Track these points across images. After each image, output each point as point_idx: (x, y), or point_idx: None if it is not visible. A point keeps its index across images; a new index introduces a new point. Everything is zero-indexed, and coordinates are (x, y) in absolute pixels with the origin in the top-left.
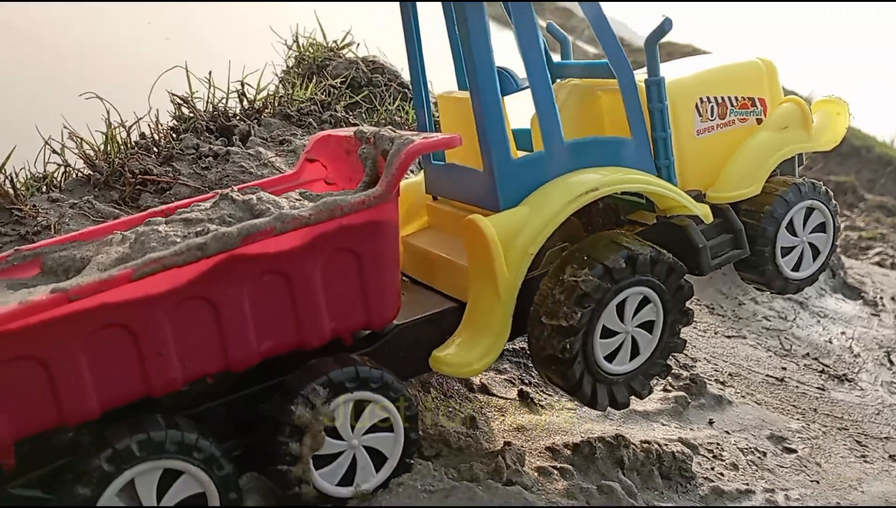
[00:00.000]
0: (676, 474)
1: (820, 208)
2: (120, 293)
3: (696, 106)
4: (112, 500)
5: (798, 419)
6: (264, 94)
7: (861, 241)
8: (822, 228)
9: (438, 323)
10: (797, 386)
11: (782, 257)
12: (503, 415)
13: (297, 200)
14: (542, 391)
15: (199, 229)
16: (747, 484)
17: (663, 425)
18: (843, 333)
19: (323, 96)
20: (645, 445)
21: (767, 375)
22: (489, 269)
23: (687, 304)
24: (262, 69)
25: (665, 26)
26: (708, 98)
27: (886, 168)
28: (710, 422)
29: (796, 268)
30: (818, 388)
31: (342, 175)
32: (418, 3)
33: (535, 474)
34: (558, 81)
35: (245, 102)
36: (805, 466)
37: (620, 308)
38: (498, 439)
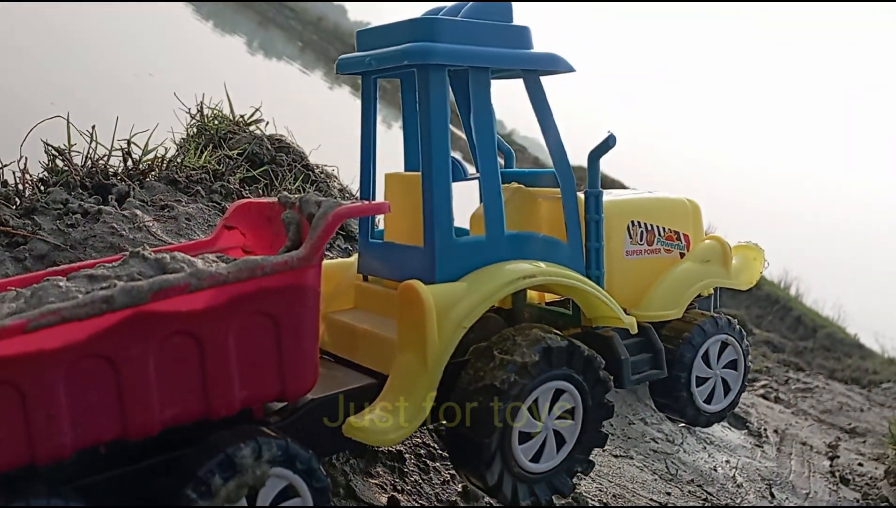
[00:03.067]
0: None
1: (734, 345)
2: (10, 346)
3: (628, 228)
4: None
5: None
6: (151, 155)
7: (748, 373)
8: (733, 365)
9: (356, 399)
10: None
11: (696, 386)
12: None
13: (213, 261)
14: (415, 499)
15: (104, 285)
16: None
17: None
18: (727, 461)
19: (217, 166)
20: None
21: (651, 499)
22: (420, 336)
23: (607, 397)
24: (151, 130)
25: (609, 142)
26: (639, 222)
27: (774, 306)
28: None
29: (708, 401)
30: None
31: (262, 243)
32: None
33: None
34: (505, 184)
35: (129, 162)
36: None
37: (535, 403)
38: None
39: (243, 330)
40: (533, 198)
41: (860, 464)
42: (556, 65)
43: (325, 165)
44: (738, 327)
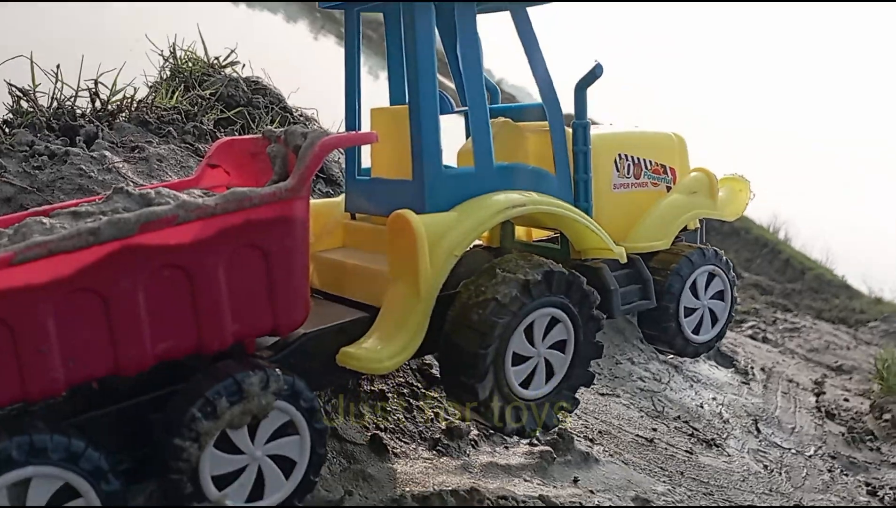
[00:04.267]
0: None
1: (721, 276)
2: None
3: (615, 161)
4: None
5: (664, 482)
6: (120, 96)
7: (737, 314)
8: (720, 296)
9: (349, 332)
10: (666, 448)
11: (684, 317)
12: (350, 462)
13: (200, 196)
14: (398, 437)
15: (89, 220)
16: None
17: (525, 480)
18: (713, 398)
19: (189, 107)
20: (501, 501)
21: (637, 435)
22: (412, 266)
23: (598, 336)
24: (119, 68)
25: (596, 71)
26: (626, 156)
27: (762, 249)
28: (575, 480)
29: (696, 331)
30: (686, 451)
31: (248, 180)
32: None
33: None
34: (494, 119)
35: (97, 103)
36: None
37: (529, 332)
38: (338, 488)
39: (233, 263)
40: (520, 132)
41: (846, 399)
42: None
43: (305, 108)
44: (724, 258)
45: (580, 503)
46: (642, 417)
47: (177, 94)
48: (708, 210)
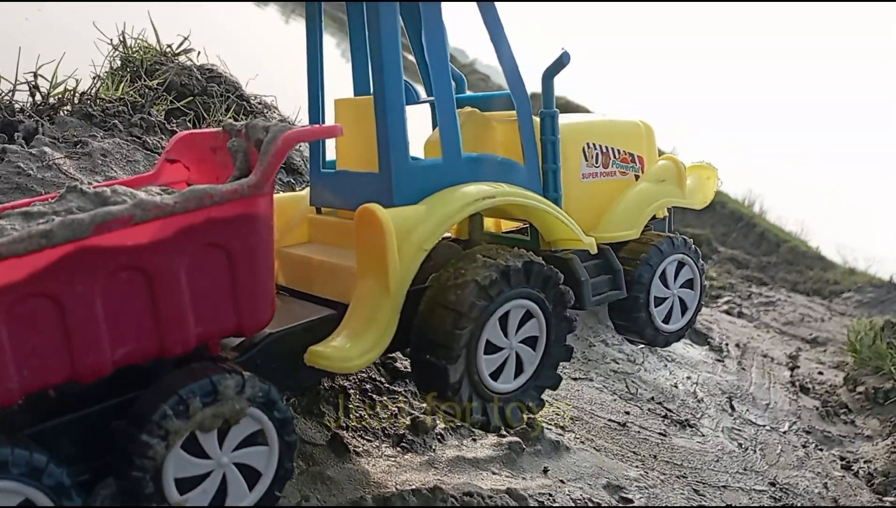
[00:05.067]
0: None
1: (690, 265)
2: None
3: (584, 150)
4: None
5: (637, 467)
6: (61, 89)
7: (712, 290)
8: (690, 284)
9: (317, 331)
10: (639, 431)
11: (655, 306)
12: (308, 464)
13: (158, 193)
14: (360, 435)
15: (41, 221)
16: None
17: (493, 473)
18: (688, 377)
19: (137, 98)
20: (466, 498)
21: (610, 419)
22: (380, 261)
23: (568, 313)
24: (58, 60)
25: (563, 59)
26: (594, 144)
27: (738, 223)
28: (545, 470)
29: (666, 320)
30: (660, 433)
31: (208, 175)
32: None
33: None
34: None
35: (38, 97)
36: None
37: (503, 322)
38: (294, 493)
39: (195, 263)
40: (487, 122)
41: (820, 373)
42: None
43: (264, 96)
44: (693, 246)
45: (549, 493)
46: (615, 400)
47: (123, 84)
48: (677, 199)
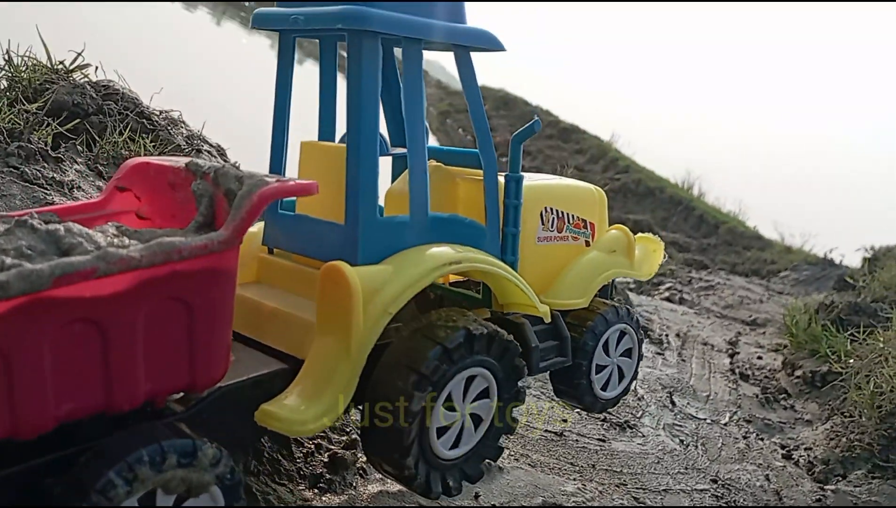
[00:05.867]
0: None
1: (630, 334)
2: None
3: (541, 214)
4: None
5: (574, 480)
6: None
7: (654, 277)
8: (629, 353)
9: (267, 386)
10: (577, 440)
11: (595, 373)
12: None
13: (114, 235)
14: (272, 478)
15: None
16: None
17: (421, 505)
18: None
19: (16, 123)
20: None
21: (546, 430)
22: (344, 321)
23: (520, 383)
24: None
25: (535, 127)
26: (551, 209)
27: (678, 207)
28: (476, 496)
29: (604, 388)
30: (599, 440)
31: (161, 210)
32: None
33: None
34: None
35: None
36: None
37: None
38: None
39: (152, 317)
40: (452, 177)
41: (759, 357)
42: (488, 42)
43: (169, 111)
44: (635, 316)
45: None
46: (553, 408)
47: None
48: (626, 270)
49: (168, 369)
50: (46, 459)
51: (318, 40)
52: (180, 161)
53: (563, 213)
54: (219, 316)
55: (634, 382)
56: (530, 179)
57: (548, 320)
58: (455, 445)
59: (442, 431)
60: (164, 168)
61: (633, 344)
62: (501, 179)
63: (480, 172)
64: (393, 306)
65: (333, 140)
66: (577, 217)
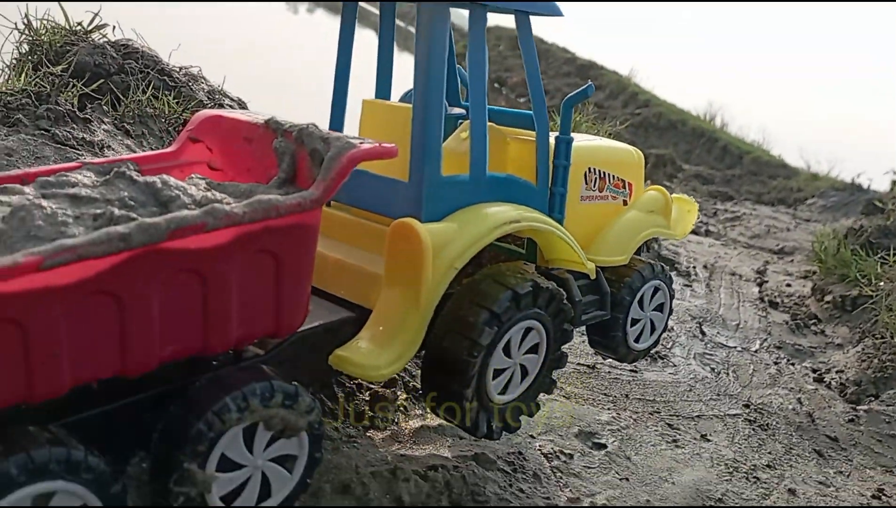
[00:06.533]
0: (469, 500)
1: (663, 290)
2: (18, 283)
3: (585, 174)
4: None
5: (609, 409)
6: None
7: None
8: (660, 308)
9: (336, 333)
10: (609, 372)
11: (630, 327)
12: None
13: (206, 189)
14: None
15: (96, 210)
16: (548, 498)
17: (460, 439)
18: None
19: (42, 86)
20: (430, 473)
21: (579, 364)
22: (414, 274)
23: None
24: None
25: (588, 91)
26: (594, 169)
27: (700, 140)
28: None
29: (637, 340)
30: (631, 371)
31: (235, 163)
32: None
33: None
34: (468, 120)
35: None
36: (614, 462)
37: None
38: None
39: (246, 268)
40: (503, 137)
41: (788, 285)
42: (548, 9)
43: (188, 67)
44: (668, 273)
45: (519, 451)
46: (584, 342)
47: (25, 74)
48: (663, 229)
49: (257, 315)
50: (149, 394)
51: (378, 5)
52: (257, 117)
53: (604, 173)
54: (303, 268)
55: (665, 334)
56: (577, 141)
57: (593, 276)
58: (503, 391)
59: (495, 375)
60: (239, 123)
61: (665, 299)
62: (552, 141)
63: (529, 132)
64: (459, 262)
65: (389, 99)
66: (617, 177)
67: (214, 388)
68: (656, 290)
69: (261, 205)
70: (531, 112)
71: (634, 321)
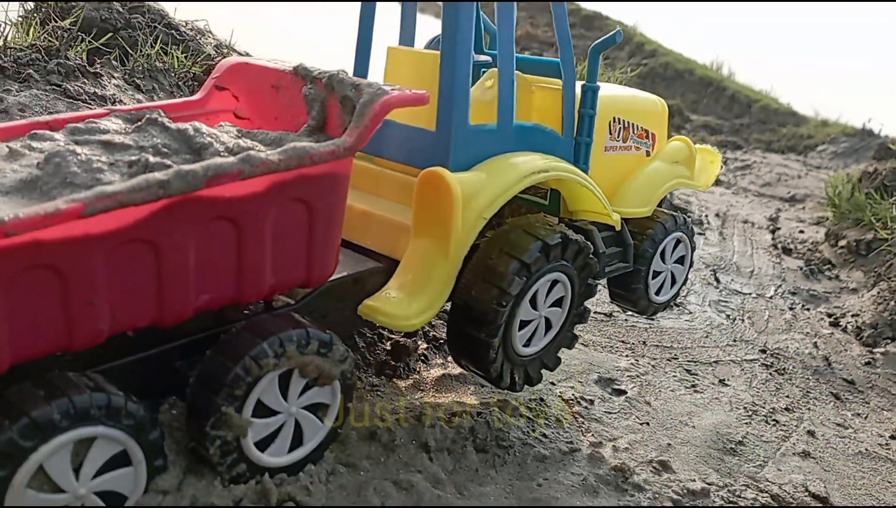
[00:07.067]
0: (493, 445)
1: (685, 242)
2: (57, 230)
3: (609, 124)
4: (24, 481)
5: (627, 356)
6: None
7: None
8: (681, 260)
9: (364, 283)
10: (626, 320)
11: (651, 279)
12: None
13: (237, 136)
14: None
15: (130, 156)
16: (571, 443)
17: (482, 387)
18: None
19: (52, 41)
20: (455, 419)
21: (596, 312)
22: (443, 224)
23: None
24: None
25: (616, 37)
26: (619, 119)
27: (707, 89)
28: None
29: (657, 292)
30: (647, 318)
31: (262, 111)
32: None
33: (315, 477)
34: (493, 68)
35: None
36: (634, 407)
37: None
38: None
39: (279, 217)
40: (528, 85)
41: (801, 231)
42: None
43: (195, 21)
44: (690, 225)
45: (540, 398)
46: (599, 291)
47: (32, 29)
48: (687, 180)
49: (290, 264)
50: (181, 343)
51: None
52: (285, 64)
53: (629, 123)
54: (335, 217)
55: (685, 287)
56: (602, 90)
57: (618, 228)
58: (527, 344)
59: (521, 327)
60: (267, 70)
61: (686, 252)
62: (578, 90)
63: (554, 80)
64: (488, 212)
65: (413, 46)
66: (641, 128)
67: (251, 333)
68: (678, 242)
69: (296, 152)
70: (557, 60)
71: (656, 274)
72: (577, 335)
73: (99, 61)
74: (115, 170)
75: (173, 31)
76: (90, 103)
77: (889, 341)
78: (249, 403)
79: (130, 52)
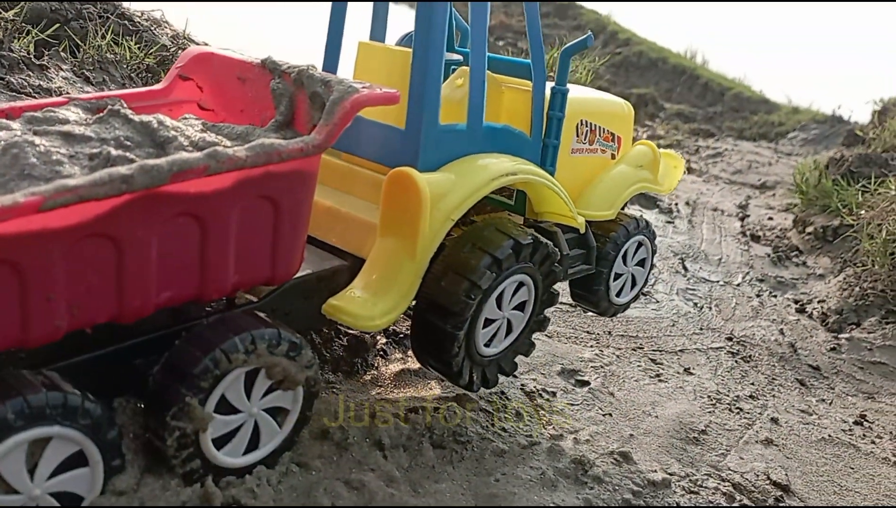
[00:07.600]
0: (451, 441)
1: (646, 245)
2: (15, 224)
3: (577, 126)
4: None
5: (591, 347)
6: None
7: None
8: (642, 263)
9: (329, 282)
10: None
11: (612, 281)
12: None
13: (202, 130)
14: None
15: (91, 149)
16: (530, 436)
17: (441, 381)
18: None
19: None
20: (411, 415)
21: (560, 302)
22: (411, 226)
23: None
24: None
25: (587, 42)
26: (586, 122)
27: (681, 77)
28: None
29: (618, 294)
30: (609, 318)
31: (227, 104)
32: None
33: (264, 479)
34: (463, 67)
35: None
36: (597, 398)
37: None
38: None
39: (245, 214)
40: (497, 85)
41: (770, 218)
42: None
43: (150, 11)
44: (651, 228)
45: (501, 391)
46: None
47: None
48: (651, 184)
49: (254, 262)
50: (140, 341)
51: None
52: (253, 56)
53: (595, 126)
54: (301, 215)
55: (645, 288)
56: (570, 93)
57: (582, 231)
58: (487, 344)
59: (484, 325)
60: (233, 61)
61: (647, 255)
62: (548, 92)
63: (524, 81)
64: (455, 213)
65: (384, 41)
66: (607, 131)
67: (223, 327)
68: (640, 245)
69: (263, 149)
70: (527, 61)
71: (617, 276)
72: (534, 343)
73: (47, 53)
74: (76, 162)
75: (126, 22)
76: (35, 96)
77: (854, 326)
78: (214, 397)
79: (81, 43)
